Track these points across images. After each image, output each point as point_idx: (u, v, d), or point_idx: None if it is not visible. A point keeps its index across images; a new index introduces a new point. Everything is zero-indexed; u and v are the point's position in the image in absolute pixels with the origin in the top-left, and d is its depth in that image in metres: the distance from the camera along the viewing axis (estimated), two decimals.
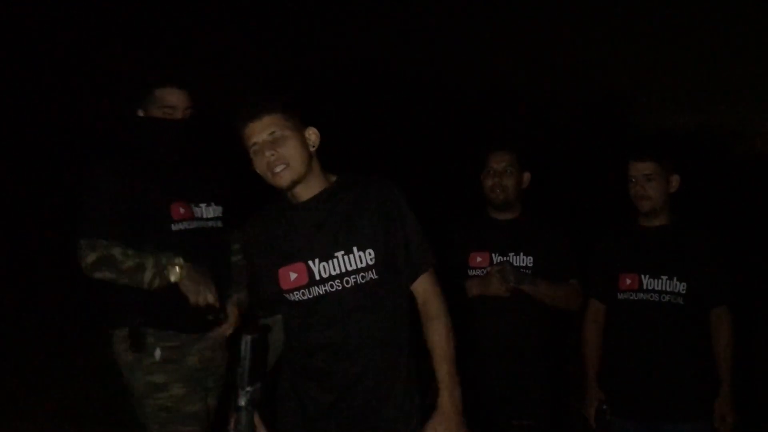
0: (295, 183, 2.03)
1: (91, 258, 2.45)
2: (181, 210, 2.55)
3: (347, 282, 2.02)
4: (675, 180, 2.74)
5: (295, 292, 2.04)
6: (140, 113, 2.59)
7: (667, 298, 2.66)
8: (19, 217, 7.89)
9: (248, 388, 1.91)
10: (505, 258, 2.96)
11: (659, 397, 2.65)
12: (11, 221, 7.78)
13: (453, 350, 2.06)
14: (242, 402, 1.91)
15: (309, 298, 2.03)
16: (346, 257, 2.02)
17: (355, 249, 2.02)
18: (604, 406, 2.74)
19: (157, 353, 2.53)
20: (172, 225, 2.53)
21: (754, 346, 5.16)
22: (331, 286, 2.02)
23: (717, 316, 2.69)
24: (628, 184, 2.77)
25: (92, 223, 2.49)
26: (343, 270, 2.02)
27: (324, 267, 2.02)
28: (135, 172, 2.56)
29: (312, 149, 2.08)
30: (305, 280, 2.03)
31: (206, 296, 2.43)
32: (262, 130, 2.02)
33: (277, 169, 2.00)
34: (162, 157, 2.60)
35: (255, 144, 2.03)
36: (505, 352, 2.90)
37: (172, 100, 2.56)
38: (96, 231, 2.47)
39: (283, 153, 2.00)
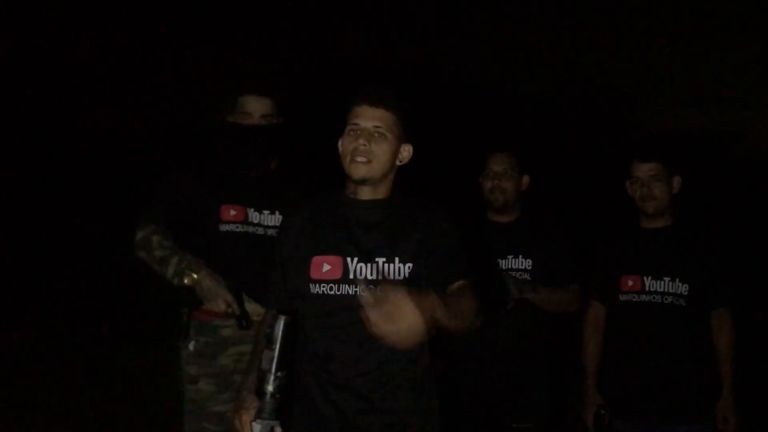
0: (365, 181, 1.99)
1: (137, 236, 2.67)
2: (232, 212, 2.66)
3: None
4: (677, 181, 2.73)
5: (322, 285, 1.95)
6: (229, 119, 2.73)
7: (669, 299, 2.65)
8: (19, 217, 7.88)
9: (279, 373, 1.76)
10: (503, 260, 2.95)
11: (661, 399, 2.63)
12: (11, 221, 7.78)
13: (461, 314, 1.85)
14: (270, 388, 1.75)
15: (336, 295, 1.94)
16: (386, 264, 1.96)
17: (397, 260, 1.96)
18: (602, 411, 2.73)
19: (192, 345, 2.67)
20: (220, 225, 2.65)
21: (755, 346, 5.16)
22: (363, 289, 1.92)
23: (719, 317, 2.68)
24: (631, 185, 2.76)
25: (150, 208, 2.71)
26: (380, 276, 1.94)
27: (361, 268, 1.95)
28: (200, 173, 2.73)
29: (398, 163, 2.05)
30: (338, 275, 1.95)
31: (219, 303, 2.52)
32: (372, 119, 1.98)
33: (359, 159, 1.96)
34: (237, 160, 2.72)
35: (357, 125, 1.99)
36: (505, 354, 2.89)
37: (249, 107, 2.69)
38: (150, 214, 2.69)
39: (374, 149, 1.97)
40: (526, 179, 3.03)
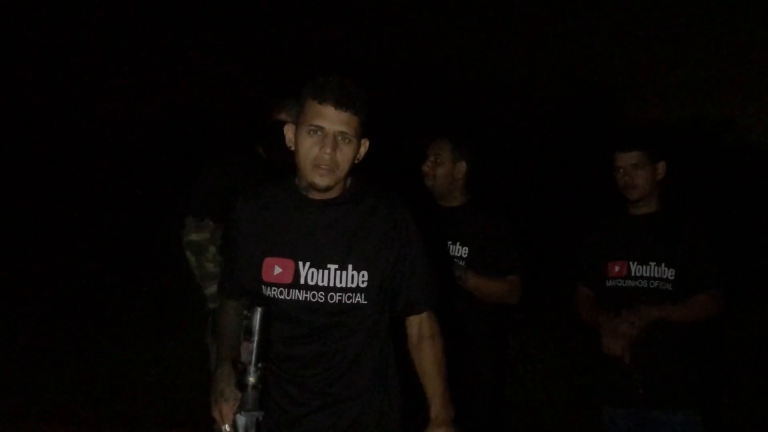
0: (329, 188, 1.90)
1: (192, 237, 2.70)
2: None
3: (332, 297, 1.89)
4: (661, 167, 2.73)
5: (273, 288, 1.91)
6: (282, 117, 2.79)
7: (655, 284, 2.64)
8: (16, 215, 7.86)
9: (259, 365, 1.76)
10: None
11: (649, 385, 2.63)
12: (10, 219, 7.75)
13: (445, 369, 1.99)
14: (252, 379, 1.76)
15: (286, 300, 1.90)
16: (338, 272, 1.89)
17: (350, 267, 1.90)
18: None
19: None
20: None
21: (747, 329, 5.18)
22: (313, 296, 1.88)
23: (711, 299, 2.66)
24: (615, 175, 2.76)
25: (200, 200, 2.74)
26: (332, 284, 1.89)
27: (313, 273, 1.89)
28: (240, 167, 2.78)
29: (356, 161, 1.95)
30: (289, 280, 1.90)
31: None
32: (339, 122, 1.85)
33: (324, 168, 1.86)
34: (279, 157, 2.70)
35: (321, 128, 1.85)
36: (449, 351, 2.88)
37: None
38: (204, 209, 2.71)
39: (339, 160, 1.86)
40: (460, 166, 2.97)
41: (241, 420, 1.78)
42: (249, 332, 1.76)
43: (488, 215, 2.98)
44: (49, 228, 7.82)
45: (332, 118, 1.85)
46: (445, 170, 2.95)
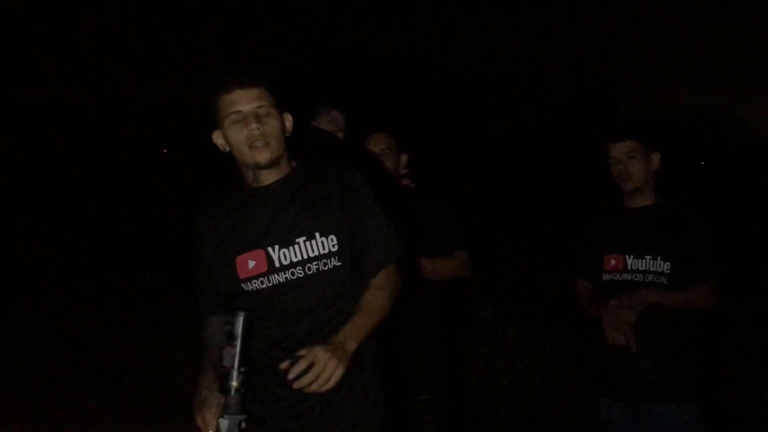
0: (272, 163, 1.96)
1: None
2: None
3: (309, 269, 1.93)
4: (656, 158, 2.73)
5: (253, 281, 1.94)
6: (314, 123, 3.07)
7: (650, 277, 2.63)
8: (21, 208, 7.86)
9: (242, 369, 1.79)
10: None
11: (645, 378, 2.63)
12: (14, 212, 7.76)
13: (379, 318, 1.96)
14: (235, 383, 1.78)
15: (267, 287, 1.93)
16: (307, 243, 1.94)
17: (317, 234, 1.94)
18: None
19: None
20: None
21: (747, 321, 5.18)
22: (292, 273, 1.93)
23: (705, 291, 2.65)
24: (610, 166, 2.75)
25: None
26: (305, 256, 1.93)
27: (284, 254, 1.93)
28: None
29: (287, 134, 2.01)
30: (264, 268, 1.93)
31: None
32: (250, 100, 1.92)
33: (259, 144, 1.92)
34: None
35: (238, 112, 1.93)
36: (403, 333, 2.92)
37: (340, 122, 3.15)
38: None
39: (267, 130, 1.93)
40: (404, 158, 3.14)
41: (224, 423, 1.80)
42: (232, 337, 1.79)
43: (437, 199, 3.17)
44: (52, 221, 7.83)
45: (243, 98, 1.92)
46: (393, 162, 3.11)
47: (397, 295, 2.02)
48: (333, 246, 1.94)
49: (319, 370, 1.80)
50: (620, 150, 2.70)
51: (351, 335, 1.90)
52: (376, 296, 1.98)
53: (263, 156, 1.93)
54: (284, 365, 1.85)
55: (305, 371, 1.81)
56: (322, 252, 1.94)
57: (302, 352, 1.83)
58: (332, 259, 1.94)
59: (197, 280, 2.09)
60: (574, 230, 3.05)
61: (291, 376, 1.81)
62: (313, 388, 1.81)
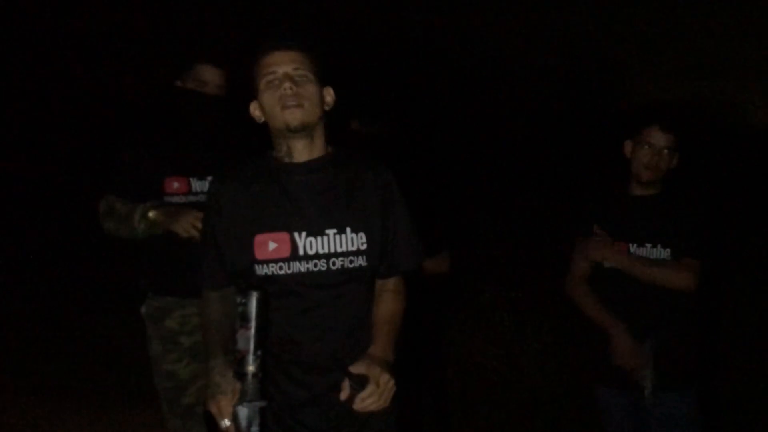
0: (304, 127, 1.81)
1: (101, 209, 2.81)
2: (175, 185, 2.78)
3: (333, 264, 1.82)
4: (676, 158, 2.65)
5: (270, 264, 1.80)
6: (178, 84, 2.85)
7: None
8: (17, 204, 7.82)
9: (258, 352, 1.66)
10: None
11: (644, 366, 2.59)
12: (9, 201, 7.71)
13: (398, 325, 1.93)
14: (252, 368, 1.66)
15: (286, 274, 1.80)
16: (337, 237, 1.82)
17: (348, 229, 1.83)
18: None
19: (143, 309, 2.92)
20: (164, 198, 2.76)
21: (746, 309, 5.16)
22: (315, 265, 1.80)
23: (686, 266, 2.59)
24: (636, 148, 2.63)
25: (108, 183, 2.87)
26: (332, 250, 1.82)
27: (311, 243, 1.81)
28: (147, 147, 2.85)
29: (326, 108, 1.89)
30: (286, 253, 1.80)
31: (182, 223, 2.58)
32: (287, 62, 1.81)
33: (291, 103, 1.78)
34: (189, 126, 2.84)
35: (273, 73, 1.81)
36: None
37: (206, 76, 2.80)
38: (109, 188, 2.84)
39: (301, 92, 1.80)
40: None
41: (243, 411, 1.68)
42: (245, 318, 1.66)
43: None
44: (46, 208, 7.78)
45: (280, 60, 1.83)
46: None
47: (405, 302, 1.98)
48: (362, 244, 1.85)
49: (382, 390, 1.76)
50: (664, 140, 2.59)
51: (390, 347, 1.86)
52: (398, 302, 1.95)
53: (295, 116, 1.80)
54: (344, 394, 1.81)
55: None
56: (350, 249, 1.83)
57: (358, 369, 1.79)
58: (360, 258, 1.85)
59: (203, 248, 1.94)
60: (574, 215, 2.99)
61: (359, 404, 1.77)
62: (373, 408, 1.77)
